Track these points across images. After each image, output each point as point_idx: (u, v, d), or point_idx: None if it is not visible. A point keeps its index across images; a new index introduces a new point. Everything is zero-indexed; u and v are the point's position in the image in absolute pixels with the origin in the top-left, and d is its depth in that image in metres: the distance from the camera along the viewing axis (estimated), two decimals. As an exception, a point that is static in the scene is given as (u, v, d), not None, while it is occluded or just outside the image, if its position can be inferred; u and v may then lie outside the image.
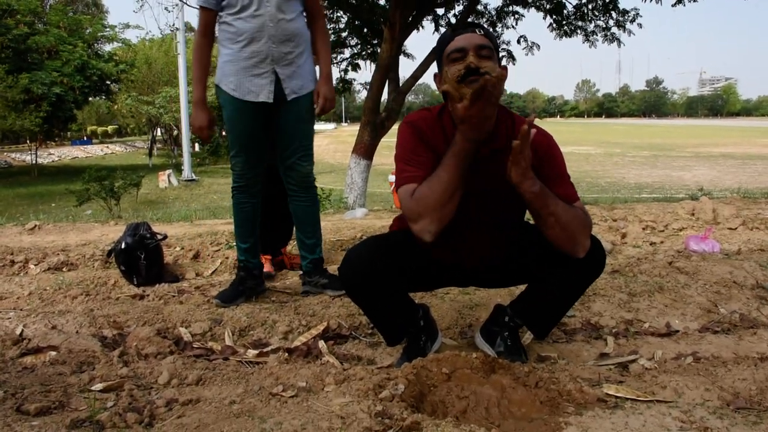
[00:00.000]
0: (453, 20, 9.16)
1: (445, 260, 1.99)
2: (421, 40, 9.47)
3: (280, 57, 2.59)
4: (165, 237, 3.64)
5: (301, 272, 2.99)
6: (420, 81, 8.62)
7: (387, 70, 7.84)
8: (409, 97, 11.37)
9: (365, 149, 7.94)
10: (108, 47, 26.40)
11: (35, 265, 3.78)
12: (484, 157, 1.79)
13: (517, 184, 1.68)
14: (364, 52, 9.69)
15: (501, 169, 1.76)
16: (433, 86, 1.95)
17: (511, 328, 2.10)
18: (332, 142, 44.00)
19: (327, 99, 2.74)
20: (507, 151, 1.72)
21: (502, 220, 1.93)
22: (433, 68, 1.91)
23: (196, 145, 27.80)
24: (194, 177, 19.85)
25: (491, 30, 9.27)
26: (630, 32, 9.24)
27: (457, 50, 1.68)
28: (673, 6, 8.08)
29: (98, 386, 1.78)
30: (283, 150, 2.76)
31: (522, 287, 2.12)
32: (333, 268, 3.36)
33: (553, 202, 1.71)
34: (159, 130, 31.99)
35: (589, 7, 9.07)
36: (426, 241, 1.73)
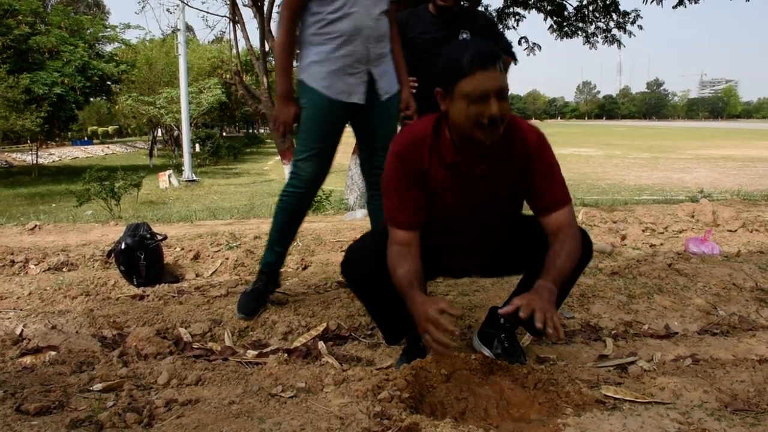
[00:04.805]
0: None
1: (440, 261, 2.00)
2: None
3: (375, 57, 2.44)
4: (165, 237, 3.65)
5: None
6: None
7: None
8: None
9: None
10: (109, 47, 26.45)
11: (35, 265, 3.79)
12: (483, 174, 1.79)
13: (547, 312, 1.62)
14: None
15: (499, 183, 1.78)
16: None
17: (508, 330, 2.10)
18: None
19: (411, 104, 2.64)
20: (504, 165, 1.76)
21: (498, 230, 1.95)
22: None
23: (197, 145, 27.82)
24: (195, 178, 19.84)
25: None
26: (630, 33, 9.27)
27: (480, 96, 1.62)
28: (674, 8, 8.09)
29: (98, 386, 1.78)
30: (371, 151, 2.61)
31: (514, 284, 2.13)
32: (335, 269, 3.38)
33: (563, 283, 1.74)
34: (159, 130, 32.01)
35: (590, 8, 9.10)
36: None
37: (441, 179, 1.77)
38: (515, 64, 3.07)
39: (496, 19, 9.45)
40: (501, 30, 9.42)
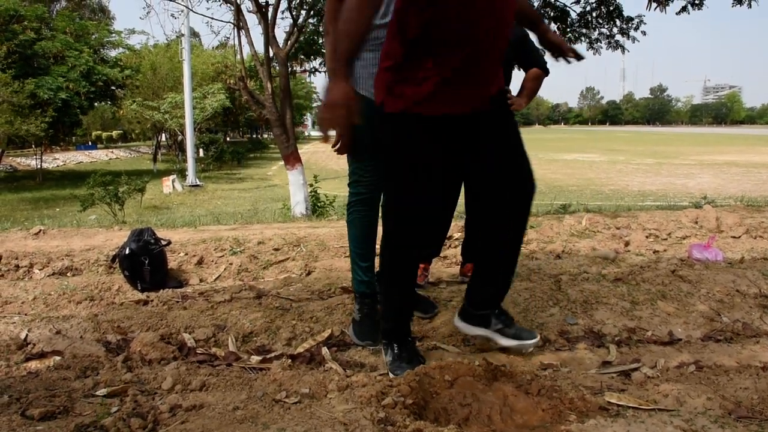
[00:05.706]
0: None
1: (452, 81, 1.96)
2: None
3: None
4: (169, 243, 3.66)
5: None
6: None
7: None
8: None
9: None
10: (114, 53, 26.58)
11: (40, 269, 3.80)
12: None
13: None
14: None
15: None
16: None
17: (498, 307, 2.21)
18: (336, 148, 43.94)
19: None
20: None
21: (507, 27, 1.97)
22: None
23: (201, 150, 27.88)
24: (198, 183, 19.87)
25: None
26: (634, 39, 9.27)
27: None
28: (677, 14, 8.10)
29: (102, 391, 1.79)
30: None
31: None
32: (339, 275, 3.38)
33: None
34: (163, 135, 32.10)
35: (594, 14, 9.11)
36: None
37: None
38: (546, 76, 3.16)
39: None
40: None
